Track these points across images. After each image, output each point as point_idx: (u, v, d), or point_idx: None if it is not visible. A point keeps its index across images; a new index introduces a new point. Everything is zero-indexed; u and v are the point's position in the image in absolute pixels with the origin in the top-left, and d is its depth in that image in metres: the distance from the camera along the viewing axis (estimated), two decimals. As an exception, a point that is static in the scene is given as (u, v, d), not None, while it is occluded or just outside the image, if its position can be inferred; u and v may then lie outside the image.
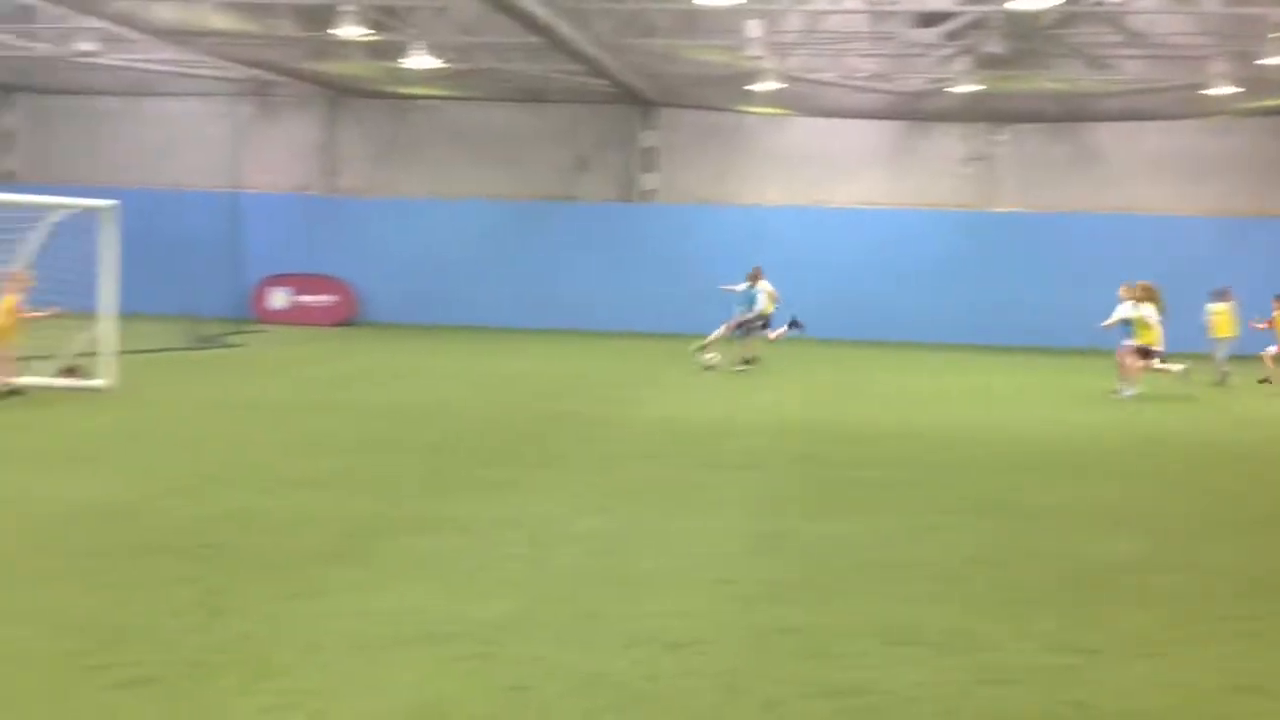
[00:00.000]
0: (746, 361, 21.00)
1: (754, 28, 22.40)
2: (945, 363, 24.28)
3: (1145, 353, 18.54)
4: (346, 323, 29.67)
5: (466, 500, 9.98)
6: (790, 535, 9.09)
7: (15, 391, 15.49)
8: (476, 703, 5.58)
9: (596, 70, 24.94)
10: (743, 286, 21.30)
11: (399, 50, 23.91)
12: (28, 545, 8.13)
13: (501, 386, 18.24)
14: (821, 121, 29.36)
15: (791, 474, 11.81)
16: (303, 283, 30.19)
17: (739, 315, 21.12)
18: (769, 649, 6.46)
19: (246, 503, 9.64)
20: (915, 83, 26.98)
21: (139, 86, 29.69)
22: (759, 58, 23.65)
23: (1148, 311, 18.61)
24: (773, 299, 21.57)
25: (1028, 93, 26.70)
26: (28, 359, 16.07)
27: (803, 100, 27.65)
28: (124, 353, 17.21)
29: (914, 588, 7.77)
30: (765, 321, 21.46)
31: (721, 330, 21.14)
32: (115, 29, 23.24)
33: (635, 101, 29.27)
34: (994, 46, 22.69)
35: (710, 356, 20.67)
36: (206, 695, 5.55)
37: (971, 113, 28.62)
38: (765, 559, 8.39)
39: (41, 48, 25.34)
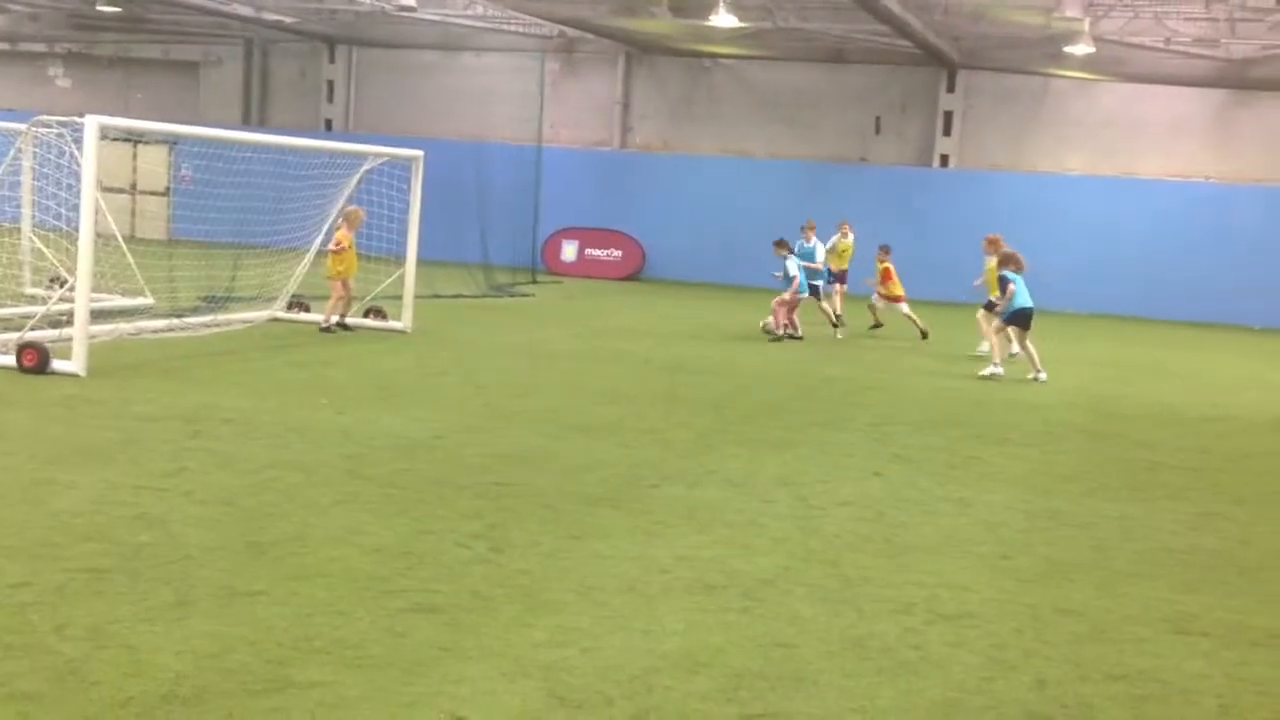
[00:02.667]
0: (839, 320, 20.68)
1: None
2: (1261, 347, 22.86)
3: None
4: (632, 278, 30.25)
5: (739, 456, 10.10)
6: (1070, 515, 8.83)
7: (346, 327, 16.49)
8: (740, 655, 5.67)
9: (901, 31, 24.46)
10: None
11: (703, 8, 24.05)
12: (342, 472, 8.71)
13: (780, 347, 18.27)
14: (1132, 87, 27.97)
15: (1074, 452, 11.43)
16: (592, 237, 30.92)
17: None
18: (1044, 628, 6.32)
19: (532, 444, 10.04)
20: (1244, 49, 25.36)
21: (452, 41, 30.99)
22: (1074, 19, 22.69)
23: None
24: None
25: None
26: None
27: (1115, 65, 26.40)
28: (421, 297, 18.12)
29: (1201, 577, 7.45)
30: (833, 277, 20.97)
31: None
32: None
33: (936, 64, 28.59)
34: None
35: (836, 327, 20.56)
36: (486, 626, 5.83)
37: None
38: (1042, 537, 8.17)
39: (366, 2, 26.69)
